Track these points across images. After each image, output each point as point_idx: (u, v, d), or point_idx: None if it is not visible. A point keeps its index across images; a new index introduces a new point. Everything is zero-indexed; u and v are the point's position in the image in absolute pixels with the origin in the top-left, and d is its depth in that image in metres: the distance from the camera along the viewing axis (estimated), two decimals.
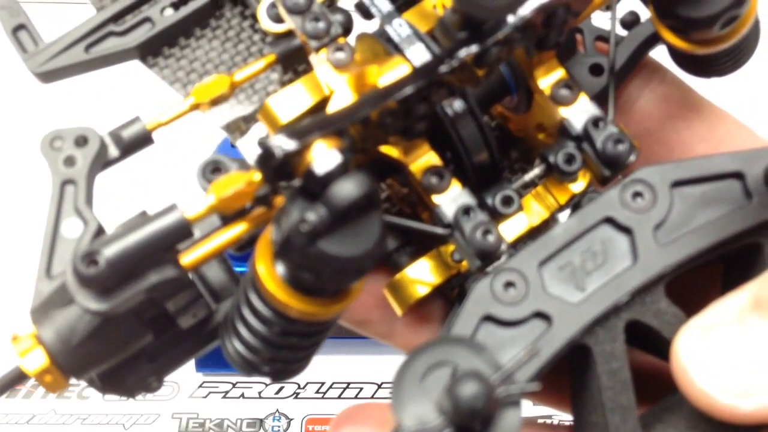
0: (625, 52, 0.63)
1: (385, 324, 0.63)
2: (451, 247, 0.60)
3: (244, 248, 0.59)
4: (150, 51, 0.66)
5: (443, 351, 0.44)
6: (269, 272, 0.49)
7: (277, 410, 1.42)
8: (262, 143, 0.57)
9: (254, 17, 0.67)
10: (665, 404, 0.56)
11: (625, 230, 0.54)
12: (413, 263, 0.60)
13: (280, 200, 0.55)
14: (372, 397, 1.45)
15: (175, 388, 1.44)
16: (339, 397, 1.43)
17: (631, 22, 0.65)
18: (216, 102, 0.62)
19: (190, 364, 1.41)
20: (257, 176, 0.49)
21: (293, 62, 0.64)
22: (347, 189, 0.44)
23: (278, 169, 0.46)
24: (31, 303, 0.53)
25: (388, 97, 0.47)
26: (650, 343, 0.57)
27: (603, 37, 0.65)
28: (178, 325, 0.55)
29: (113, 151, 0.59)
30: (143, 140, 0.60)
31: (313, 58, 0.58)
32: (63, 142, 0.57)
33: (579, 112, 0.55)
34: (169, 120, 0.61)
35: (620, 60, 0.63)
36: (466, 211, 0.53)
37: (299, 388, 1.44)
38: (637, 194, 0.55)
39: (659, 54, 0.66)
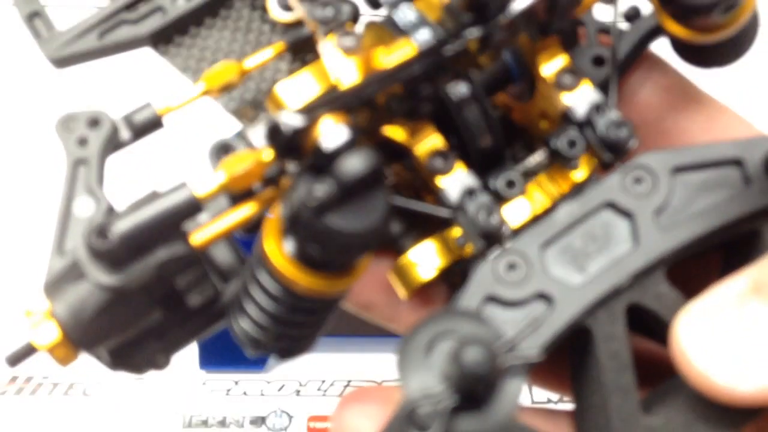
0: (627, 44, 0.65)
1: (389, 308, 0.64)
2: (455, 232, 0.61)
3: (252, 230, 0.60)
4: (162, 39, 0.67)
5: (447, 322, 0.45)
6: (276, 248, 0.50)
7: (279, 408, 1.43)
8: (270, 120, 0.59)
9: (263, 8, 0.69)
10: (665, 388, 0.57)
11: (626, 214, 0.55)
12: (418, 246, 0.61)
13: (288, 180, 0.56)
14: None
15: (178, 385, 1.44)
16: (340, 395, 1.44)
17: (632, 16, 0.66)
18: (226, 88, 0.64)
19: (194, 362, 1.42)
20: (267, 155, 0.50)
21: (302, 51, 0.66)
22: (354, 163, 0.46)
23: (286, 144, 0.47)
24: (44, 279, 0.54)
25: (394, 76, 0.48)
26: (650, 328, 0.58)
27: (605, 29, 0.66)
28: (186, 303, 0.56)
29: (125, 134, 0.61)
30: (154, 124, 0.62)
31: (321, 44, 0.59)
32: (76, 124, 0.58)
33: (582, 99, 0.57)
34: (179, 105, 0.63)
35: (622, 52, 0.64)
36: (470, 192, 0.54)
37: (300, 385, 1.45)
38: (638, 179, 0.56)
39: (659, 49, 0.67)
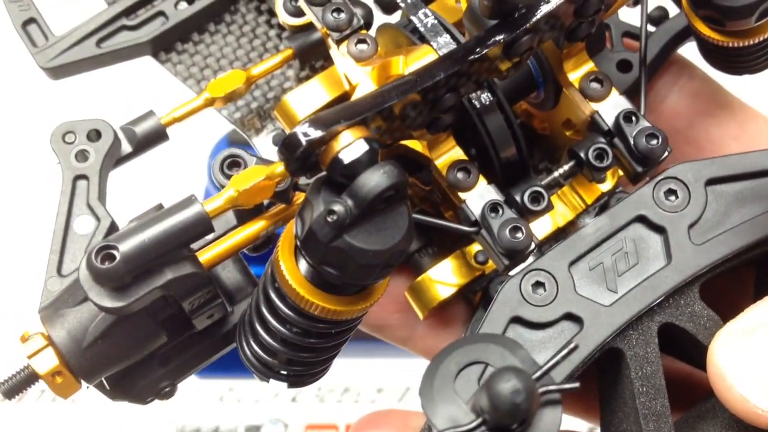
0: (653, 47, 0.62)
1: (405, 328, 0.60)
2: (474, 248, 0.58)
3: (260, 249, 0.57)
4: (162, 46, 0.64)
5: (476, 349, 0.42)
6: (291, 269, 0.46)
7: (275, 416, 1.39)
8: (286, 133, 0.56)
9: (270, 12, 0.66)
10: (698, 412, 0.54)
11: (658, 229, 0.52)
12: (435, 265, 0.58)
13: (300, 197, 0.53)
14: (372, 403, 1.42)
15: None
16: (338, 402, 1.41)
17: (659, 17, 0.63)
18: (231, 98, 0.61)
19: None
20: (279, 169, 0.47)
21: (311, 57, 0.63)
22: (376, 179, 0.42)
23: (302, 158, 0.44)
24: (40, 301, 0.51)
25: (417, 85, 0.45)
26: (680, 348, 0.55)
27: (630, 33, 0.63)
28: (192, 327, 0.53)
29: (126, 146, 0.57)
30: (158, 136, 0.58)
31: (334, 52, 0.56)
32: (75, 136, 0.55)
33: (610, 107, 0.54)
34: (183, 115, 0.60)
35: (649, 56, 0.61)
36: (493, 208, 0.51)
37: (296, 392, 1.41)
38: (670, 192, 0.53)
39: (687, 52, 0.64)
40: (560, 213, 0.58)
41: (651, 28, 0.63)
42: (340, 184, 0.44)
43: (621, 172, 0.57)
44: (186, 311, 0.50)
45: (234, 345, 0.55)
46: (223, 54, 0.65)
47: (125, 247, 0.45)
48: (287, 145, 0.44)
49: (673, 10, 0.63)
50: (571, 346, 0.44)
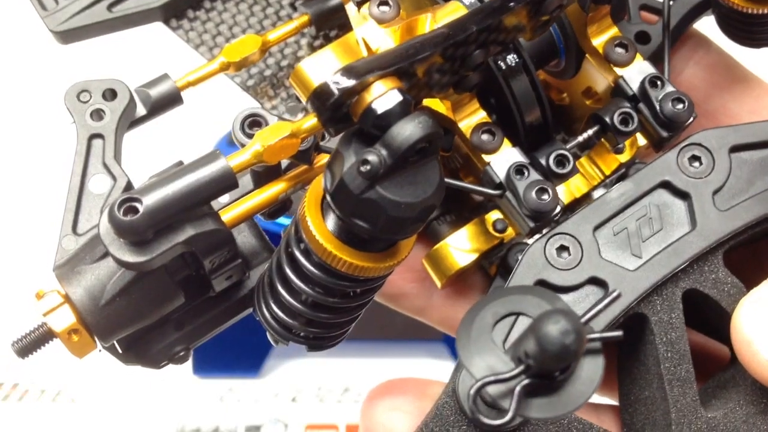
0: (671, 21, 0.61)
1: (421, 298, 0.60)
2: (492, 217, 0.58)
3: (275, 215, 0.56)
4: (174, 13, 0.63)
5: (513, 300, 0.41)
6: (318, 224, 0.46)
7: (275, 416, 1.38)
8: (302, 102, 0.55)
9: None
10: (718, 381, 0.54)
11: (683, 195, 0.52)
12: (453, 232, 0.57)
13: (322, 157, 0.53)
14: None
15: (169, 391, 1.39)
16: (338, 402, 1.40)
17: None
18: (245, 63, 0.60)
19: (187, 367, 1.37)
20: (305, 125, 0.46)
21: (326, 24, 0.62)
22: (410, 129, 0.42)
23: (334, 108, 0.43)
24: (54, 260, 0.50)
25: (450, 38, 0.44)
26: (699, 318, 0.55)
27: (648, 6, 0.63)
28: (208, 290, 0.52)
29: (141, 109, 0.56)
30: (172, 99, 0.57)
31: (353, 15, 0.55)
32: (90, 95, 0.54)
33: (635, 72, 0.53)
34: (198, 79, 0.59)
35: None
36: (519, 170, 0.51)
37: (297, 392, 1.40)
38: (694, 158, 0.52)
39: (702, 27, 0.64)
40: (577, 184, 0.58)
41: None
42: (372, 136, 0.43)
43: (639, 144, 0.57)
44: (206, 270, 0.49)
45: (249, 310, 0.55)
46: (236, 21, 0.64)
47: (149, 200, 0.44)
48: (318, 94, 0.43)
49: None
50: (614, 295, 0.43)
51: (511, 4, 0.46)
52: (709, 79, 0.62)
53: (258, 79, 0.63)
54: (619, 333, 0.41)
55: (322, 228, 0.46)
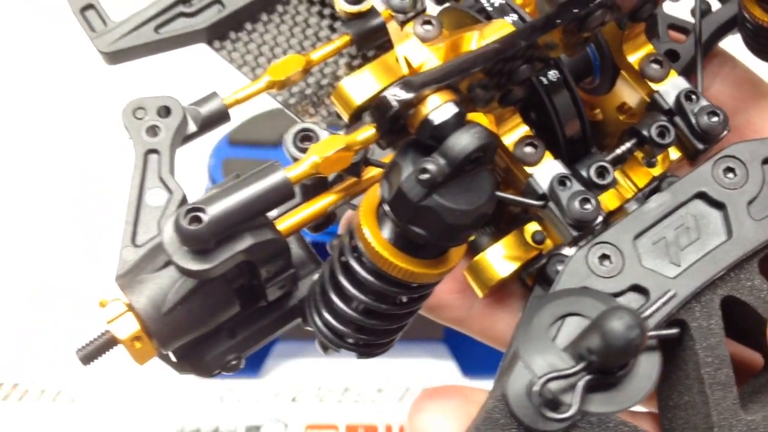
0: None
1: (461, 309, 0.61)
2: (531, 228, 0.59)
3: (319, 228, 0.58)
4: (217, 34, 0.65)
5: (569, 302, 0.43)
6: (374, 233, 0.47)
7: (275, 416, 1.39)
8: (344, 119, 0.57)
9: (321, 3, 0.67)
10: (753, 387, 0.55)
11: (718, 205, 0.54)
12: (493, 244, 0.59)
13: (369, 171, 0.54)
14: (372, 402, 1.42)
15: (169, 391, 1.40)
16: (338, 402, 1.40)
17: (703, 11, 0.65)
18: (287, 83, 0.62)
19: None
20: (360, 137, 0.48)
21: (367, 44, 0.64)
22: (467, 139, 0.44)
23: (392, 120, 0.45)
24: (116, 271, 0.52)
25: (500, 53, 0.47)
26: (733, 325, 0.56)
27: (675, 25, 0.65)
28: (260, 299, 0.54)
29: (191, 126, 0.58)
30: (221, 117, 0.60)
31: (396, 34, 0.57)
32: (145, 112, 0.56)
33: (670, 87, 0.55)
34: (246, 97, 0.61)
35: (693, 49, 0.63)
36: (562, 181, 0.52)
37: (297, 392, 1.41)
38: (728, 170, 0.54)
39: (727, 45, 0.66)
40: (611, 197, 0.60)
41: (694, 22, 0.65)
42: (428, 147, 0.45)
43: (671, 158, 0.59)
44: (261, 279, 0.51)
45: (298, 320, 0.56)
46: (277, 43, 0.66)
47: (213, 210, 0.46)
48: (378, 107, 0.45)
49: (715, 5, 0.65)
50: (670, 294, 0.45)
51: (557, 21, 0.48)
52: (736, 96, 0.64)
53: (299, 98, 0.65)
54: (675, 331, 0.43)
55: (378, 236, 0.47)
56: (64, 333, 1.45)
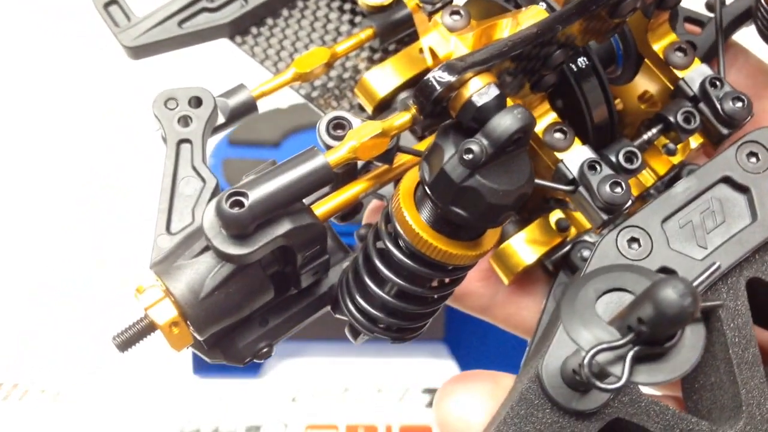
0: (713, 32, 0.65)
1: (486, 296, 0.62)
2: (555, 216, 0.60)
3: (346, 217, 0.59)
4: (239, 29, 0.66)
5: (613, 277, 0.44)
6: (413, 215, 0.48)
7: (275, 416, 1.38)
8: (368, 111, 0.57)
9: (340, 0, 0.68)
10: None
11: (743, 189, 0.55)
12: (518, 232, 0.60)
13: (402, 157, 0.55)
14: (372, 402, 1.42)
15: (169, 391, 1.39)
16: (338, 402, 1.40)
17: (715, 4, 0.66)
18: (310, 76, 0.62)
19: (187, 367, 1.37)
20: (397, 122, 0.49)
21: (390, 36, 0.65)
22: (509, 120, 0.44)
23: (435, 102, 0.46)
24: (150, 258, 0.52)
25: (538, 36, 0.47)
26: (757, 307, 0.57)
27: (691, 18, 0.66)
28: (292, 286, 0.54)
29: (220, 117, 0.59)
30: (249, 108, 0.60)
31: (423, 25, 0.58)
32: (177, 103, 0.56)
33: (694, 74, 0.56)
34: (272, 89, 0.61)
35: (708, 41, 0.65)
36: (592, 165, 0.53)
37: (297, 392, 1.40)
38: (752, 154, 0.55)
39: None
40: (632, 184, 0.61)
41: (710, 14, 0.66)
42: (468, 129, 0.46)
43: (691, 146, 0.60)
44: (297, 265, 0.51)
45: (327, 308, 0.57)
46: (298, 37, 0.67)
47: (254, 194, 0.47)
48: (422, 89, 0.46)
49: None
50: (715, 266, 0.45)
51: (593, 7, 0.49)
52: (750, 86, 0.65)
53: (321, 91, 0.65)
54: (720, 302, 0.43)
55: (417, 219, 0.48)
56: (64, 333, 1.44)
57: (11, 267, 1.49)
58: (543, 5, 0.54)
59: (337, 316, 0.57)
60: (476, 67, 0.46)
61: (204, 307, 0.50)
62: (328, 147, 0.53)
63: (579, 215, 0.60)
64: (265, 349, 0.56)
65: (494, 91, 0.45)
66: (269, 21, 0.67)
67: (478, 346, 1.39)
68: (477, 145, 0.44)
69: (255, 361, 0.56)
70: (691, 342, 0.41)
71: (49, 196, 1.53)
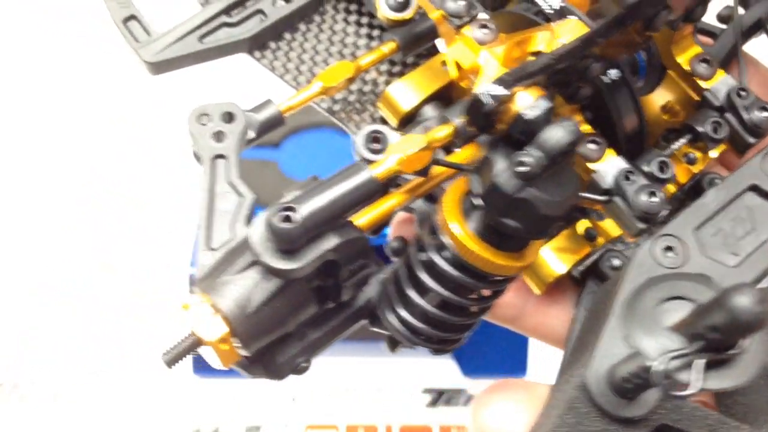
0: (726, 43, 0.66)
1: (516, 307, 0.62)
2: (582, 225, 0.61)
3: (377, 232, 0.59)
4: (258, 44, 0.66)
5: (670, 286, 0.44)
6: (462, 227, 0.48)
7: (275, 416, 1.37)
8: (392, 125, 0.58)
9: (359, 12, 0.68)
10: None
11: None
12: (548, 242, 0.61)
13: (437, 171, 0.55)
14: (372, 402, 1.42)
15: (169, 391, 1.38)
16: (338, 402, 1.40)
17: (727, 16, 0.67)
18: (332, 91, 0.63)
19: (187, 367, 1.36)
20: (439, 134, 0.49)
21: (413, 49, 0.65)
22: (561, 133, 0.45)
23: (486, 116, 0.46)
24: (195, 275, 0.52)
25: (582, 50, 0.48)
26: None
27: (703, 29, 0.68)
28: (330, 299, 0.54)
29: (250, 132, 0.59)
30: (277, 122, 0.60)
31: (448, 38, 0.59)
32: (209, 118, 0.56)
33: (720, 84, 0.58)
34: (299, 103, 0.61)
35: (722, 51, 0.66)
36: (626, 175, 0.54)
37: (297, 392, 1.40)
38: None
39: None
40: None
41: (721, 26, 0.67)
42: (518, 142, 0.47)
43: (711, 156, 0.62)
44: (341, 278, 0.51)
45: (362, 322, 0.57)
46: (317, 51, 0.67)
47: (305, 209, 0.47)
48: (474, 104, 0.46)
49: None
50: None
51: (630, 20, 0.50)
52: (763, 94, 0.66)
53: (342, 105, 0.66)
54: None
55: (466, 230, 0.48)
56: (64, 333, 1.43)
57: (12, 267, 1.48)
58: (573, 18, 0.54)
59: (373, 329, 0.57)
60: (525, 80, 0.46)
61: (252, 322, 0.50)
62: (366, 160, 0.53)
63: (606, 224, 0.61)
64: (303, 364, 0.56)
65: (545, 105, 0.46)
66: (287, 35, 0.67)
67: (478, 346, 1.39)
68: (530, 157, 0.45)
69: (293, 375, 0.56)
70: (755, 346, 0.42)
71: (49, 196, 1.52)
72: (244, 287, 0.50)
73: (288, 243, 0.47)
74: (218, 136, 0.56)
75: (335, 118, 0.66)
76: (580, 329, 0.59)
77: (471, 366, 1.42)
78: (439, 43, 0.65)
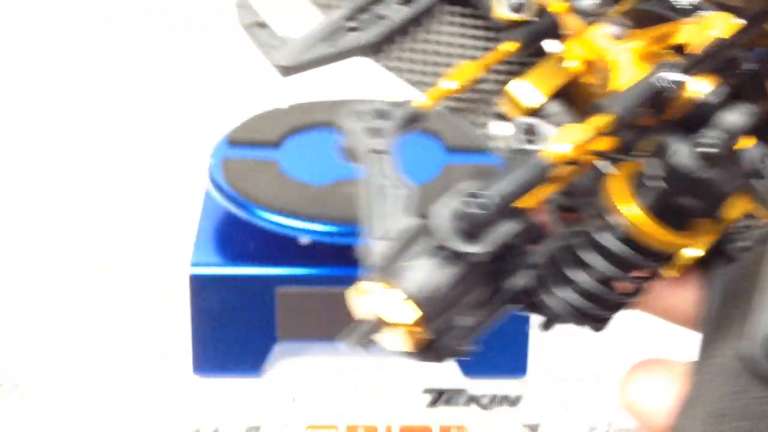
0: None
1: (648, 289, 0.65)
2: None
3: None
4: (381, 48, 0.69)
5: None
6: (634, 207, 0.52)
7: (276, 416, 1.38)
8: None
9: (473, 16, 0.71)
10: None
11: None
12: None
13: (585, 157, 0.58)
14: (372, 402, 1.43)
15: (168, 391, 1.39)
16: (338, 402, 1.40)
17: None
18: (467, 87, 0.66)
19: (187, 366, 1.38)
20: (602, 122, 0.52)
21: (531, 48, 0.68)
22: (742, 118, 0.49)
23: (666, 102, 0.49)
24: (372, 262, 0.54)
25: (742, 39, 0.52)
26: None
27: None
28: (492, 283, 0.57)
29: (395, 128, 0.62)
30: (418, 119, 0.63)
31: (575, 34, 0.62)
32: (364, 116, 0.59)
33: None
34: (433, 104, 0.64)
35: None
36: (762, 159, 0.57)
37: (298, 392, 1.40)
38: None
39: None
40: None
41: None
42: (693, 125, 0.50)
43: None
44: (512, 261, 0.54)
45: (515, 305, 0.59)
46: (438, 53, 0.70)
47: (492, 195, 0.50)
48: (652, 88, 0.50)
49: None
50: None
51: None
52: None
53: (465, 103, 0.69)
54: None
55: (636, 210, 0.52)
56: (64, 333, 1.43)
57: (12, 267, 1.48)
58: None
59: (522, 313, 0.59)
60: (701, 66, 0.50)
61: (438, 305, 0.52)
62: (522, 151, 0.56)
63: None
64: (466, 346, 0.58)
65: (724, 90, 0.49)
66: (408, 39, 0.70)
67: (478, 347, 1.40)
68: (713, 139, 0.48)
69: (454, 357, 0.59)
70: None
71: (49, 196, 1.52)
72: (429, 273, 0.52)
73: (476, 227, 0.50)
74: (373, 132, 0.58)
75: (457, 116, 0.69)
76: (717, 308, 0.61)
77: (471, 366, 1.42)
78: (547, 43, 0.69)
